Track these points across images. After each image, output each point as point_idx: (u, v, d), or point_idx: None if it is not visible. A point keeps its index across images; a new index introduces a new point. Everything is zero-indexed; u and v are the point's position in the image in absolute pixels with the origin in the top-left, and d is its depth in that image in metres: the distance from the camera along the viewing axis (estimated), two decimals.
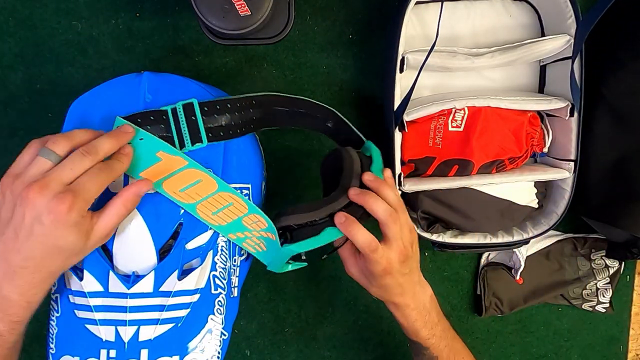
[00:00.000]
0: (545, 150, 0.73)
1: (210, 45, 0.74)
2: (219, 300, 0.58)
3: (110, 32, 0.73)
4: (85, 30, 0.72)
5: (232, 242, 0.60)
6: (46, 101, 0.73)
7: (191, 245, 0.56)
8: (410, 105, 0.66)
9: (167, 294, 0.55)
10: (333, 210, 0.57)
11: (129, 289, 0.54)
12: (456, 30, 0.74)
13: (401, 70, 0.67)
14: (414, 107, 0.68)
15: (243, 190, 0.60)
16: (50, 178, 0.47)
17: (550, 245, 0.84)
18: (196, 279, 0.56)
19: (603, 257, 0.84)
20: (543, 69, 0.76)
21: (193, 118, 0.56)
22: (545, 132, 0.73)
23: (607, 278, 0.85)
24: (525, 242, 0.75)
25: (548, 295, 0.84)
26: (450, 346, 0.66)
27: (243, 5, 0.54)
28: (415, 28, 0.73)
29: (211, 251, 0.57)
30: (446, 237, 0.75)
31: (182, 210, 0.56)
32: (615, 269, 0.85)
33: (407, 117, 0.67)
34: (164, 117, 0.56)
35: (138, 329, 0.54)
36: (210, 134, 0.57)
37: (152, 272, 0.54)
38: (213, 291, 0.58)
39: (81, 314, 0.54)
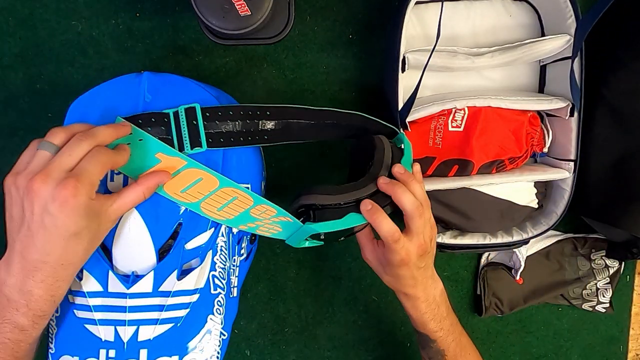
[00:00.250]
0: (545, 150, 0.73)
1: (210, 45, 0.74)
2: (219, 300, 0.58)
3: (110, 32, 0.73)
4: (85, 30, 0.72)
5: (231, 242, 0.60)
6: (46, 101, 0.73)
7: (190, 245, 0.56)
8: None
9: (167, 294, 0.55)
10: (360, 196, 0.56)
11: (128, 289, 0.54)
12: (456, 30, 0.74)
13: (402, 70, 0.67)
14: (415, 107, 0.68)
15: None
16: (51, 167, 0.46)
17: (550, 245, 0.84)
18: (195, 279, 0.56)
19: (603, 257, 0.84)
20: (543, 69, 0.76)
21: (194, 122, 0.56)
22: (545, 132, 0.73)
23: (607, 278, 0.85)
24: (525, 242, 0.75)
25: (548, 295, 0.84)
26: (458, 340, 0.67)
27: (243, 5, 0.54)
28: (415, 28, 0.73)
29: (210, 251, 0.57)
30: (446, 238, 0.75)
31: (182, 210, 0.56)
32: (615, 269, 0.84)
33: (407, 117, 0.67)
34: (165, 120, 0.56)
35: (137, 328, 0.54)
36: (210, 140, 0.57)
37: (152, 272, 0.54)
38: (212, 291, 0.58)
39: (80, 313, 0.54)
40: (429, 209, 0.60)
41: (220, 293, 0.58)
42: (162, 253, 0.55)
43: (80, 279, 0.53)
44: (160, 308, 0.55)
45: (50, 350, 0.55)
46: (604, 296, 0.85)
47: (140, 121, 0.55)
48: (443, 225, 0.76)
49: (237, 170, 0.59)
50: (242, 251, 0.65)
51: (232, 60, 0.75)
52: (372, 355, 0.85)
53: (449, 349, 0.66)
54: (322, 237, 0.62)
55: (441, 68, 0.70)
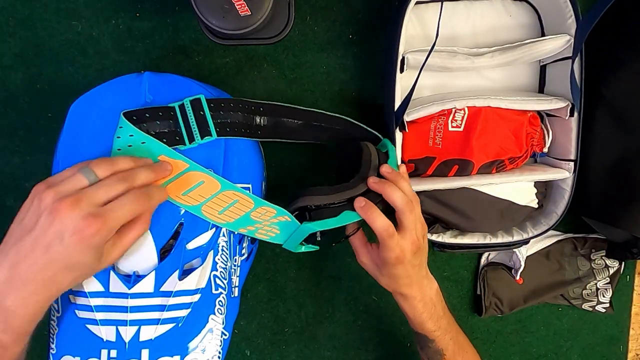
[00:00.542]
0: (545, 150, 0.74)
1: (210, 45, 0.74)
2: (220, 300, 0.58)
3: (110, 32, 0.73)
4: (85, 30, 0.72)
5: (232, 242, 0.60)
6: (46, 101, 0.73)
7: (192, 245, 0.56)
8: (410, 105, 0.66)
9: (168, 294, 0.55)
10: (352, 195, 0.59)
11: (129, 289, 0.54)
12: (456, 30, 0.74)
13: (401, 70, 0.67)
14: (414, 107, 0.68)
15: None
16: (84, 196, 0.46)
17: (550, 245, 0.84)
18: (197, 279, 0.56)
19: (603, 257, 0.84)
20: (543, 69, 0.76)
21: (201, 113, 0.57)
22: (545, 132, 0.73)
23: (607, 278, 0.85)
24: (525, 242, 0.75)
25: (548, 295, 0.84)
26: (455, 339, 0.68)
27: (243, 5, 0.54)
28: (415, 28, 0.73)
29: (212, 251, 0.57)
30: (446, 237, 0.75)
31: (183, 211, 0.56)
32: (615, 269, 0.85)
33: (407, 117, 0.67)
34: (172, 113, 0.56)
35: (139, 329, 0.54)
36: (218, 129, 0.57)
37: (153, 272, 0.54)
38: (214, 291, 0.58)
39: (82, 314, 0.54)
40: (418, 205, 0.62)
41: (221, 293, 0.59)
42: (163, 253, 0.55)
43: None
44: (162, 308, 0.55)
45: (51, 351, 0.55)
46: (604, 296, 0.85)
47: (147, 115, 0.55)
48: (443, 225, 0.76)
49: (238, 170, 0.60)
50: (243, 251, 0.65)
51: (232, 60, 0.75)
52: (372, 355, 0.85)
53: (448, 347, 0.67)
54: (319, 237, 0.63)
55: (441, 68, 0.70)
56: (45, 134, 0.74)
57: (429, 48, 0.62)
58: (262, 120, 0.63)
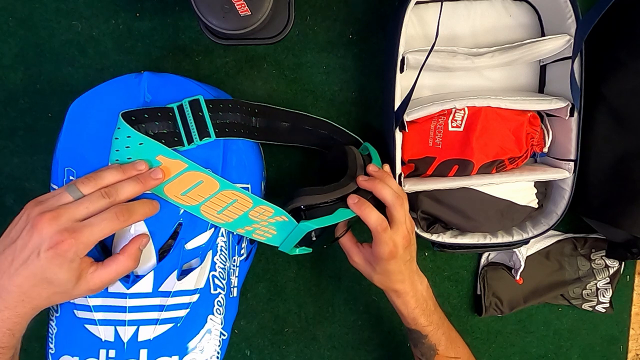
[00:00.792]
0: (545, 150, 0.73)
1: (210, 45, 0.74)
2: (219, 300, 0.58)
3: (110, 32, 0.73)
4: (85, 30, 0.72)
5: (231, 242, 0.60)
6: (46, 101, 0.73)
7: (190, 245, 0.56)
8: (410, 105, 0.66)
9: (167, 294, 0.55)
10: (344, 193, 0.60)
11: (128, 289, 0.54)
12: (456, 30, 0.74)
13: (401, 71, 0.67)
14: (414, 107, 0.68)
15: None
16: (64, 211, 0.48)
17: (550, 245, 0.84)
18: (195, 279, 0.56)
19: (603, 257, 0.84)
20: (543, 69, 0.75)
21: (200, 114, 0.57)
22: (545, 132, 0.73)
23: (607, 278, 0.85)
24: (525, 242, 0.75)
25: (548, 295, 0.84)
26: (447, 334, 0.69)
27: (243, 5, 0.54)
28: (415, 28, 0.73)
29: (210, 251, 0.58)
30: (446, 237, 0.75)
31: (182, 211, 0.56)
32: (615, 269, 0.84)
33: (407, 117, 0.67)
34: (170, 114, 0.56)
35: (137, 329, 0.54)
36: (217, 130, 0.57)
37: (152, 272, 0.54)
38: (212, 291, 0.58)
39: (80, 314, 0.54)
40: (406, 200, 0.63)
41: (220, 293, 0.59)
42: (162, 253, 0.55)
43: None
44: (160, 308, 0.55)
45: (50, 351, 0.55)
46: (604, 296, 0.85)
47: (146, 115, 0.55)
48: (443, 225, 0.76)
49: (237, 170, 0.60)
50: (242, 251, 0.65)
51: (232, 60, 0.75)
52: (372, 355, 0.85)
53: (440, 342, 0.68)
54: (314, 237, 0.63)
55: (441, 68, 0.70)
56: (45, 134, 0.74)
57: (429, 48, 0.62)
58: (257, 122, 0.64)
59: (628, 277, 0.87)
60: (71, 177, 0.55)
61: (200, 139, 0.57)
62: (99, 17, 0.72)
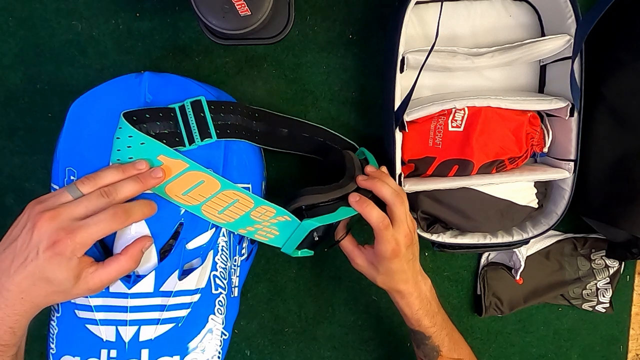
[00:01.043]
0: (545, 150, 0.73)
1: (210, 45, 0.74)
2: (220, 300, 0.58)
3: (110, 32, 0.73)
4: (85, 30, 0.72)
5: (232, 242, 0.60)
6: (46, 101, 0.73)
7: (192, 245, 0.56)
8: (410, 105, 0.66)
9: (168, 294, 0.55)
10: (344, 193, 0.61)
11: (129, 289, 0.54)
12: (456, 30, 0.74)
13: (401, 71, 0.67)
14: (414, 107, 0.68)
15: None
16: (63, 210, 0.48)
17: (550, 245, 0.84)
18: (197, 279, 0.56)
19: (603, 257, 0.84)
20: (543, 69, 0.76)
21: (202, 114, 0.57)
22: (545, 132, 0.73)
23: (607, 278, 0.85)
24: (525, 242, 0.75)
25: (548, 295, 0.84)
26: (450, 335, 0.69)
27: (243, 5, 0.54)
28: (415, 28, 0.73)
29: (212, 251, 0.57)
30: (446, 237, 0.75)
31: (183, 210, 0.56)
32: (615, 269, 0.84)
33: (407, 117, 0.67)
34: (172, 114, 0.56)
35: (139, 329, 0.54)
36: (218, 131, 0.57)
37: (153, 272, 0.54)
38: (213, 291, 0.58)
39: (82, 314, 0.54)
40: (406, 199, 0.64)
41: (221, 293, 0.59)
42: (163, 253, 0.55)
43: None
44: (162, 308, 0.55)
45: (51, 351, 0.55)
46: (604, 296, 0.85)
47: (147, 115, 0.55)
48: (443, 225, 0.76)
49: (238, 170, 0.60)
50: (243, 251, 0.65)
51: (232, 60, 0.75)
52: (372, 355, 0.85)
53: (444, 344, 0.68)
54: (316, 237, 0.63)
55: (441, 68, 0.70)
56: (45, 134, 0.74)
57: (429, 48, 0.62)
58: (257, 126, 0.65)
59: (628, 277, 0.87)
60: (72, 177, 0.55)
61: (202, 140, 0.57)
62: (99, 17, 0.72)
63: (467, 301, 0.86)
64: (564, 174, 0.71)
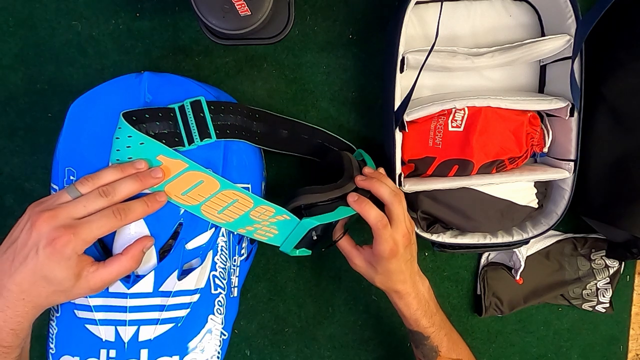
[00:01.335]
0: (545, 150, 0.73)
1: (210, 45, 0.74)
2: (219, 300, 0.58)
3: (110, 32, 0.73)
4: (85, 30, 0.72)
5: (231, 242, 0.60)
6: (46, 101, 0.73)
7: (191, 245, 0.56)
8: (410, 105, 0.66)
9: (167, 294, 0.55)
10: (343, 192, 0.61)
11: (128, 289, 0.54)
12: (456, 30, 0.74)
13: (401, 71, 0.67)
14: (414, 107, 0.68)
15: None
16: (61, 210, 0.49)
17: (550, 245, 0.84)
18: (196, 279, 0.56)
19: (603, 257, 0.84)
20: (543, 69, 0.76)
21: (201, 115, 0.57)
22: (545, 132, 0.73)
23: (607, 278, 0.85)
24: (525, 242, 0.75)
25: (548, 295, 0.84)
26: (449, 335, 0.69)
27: (243, 5, 0.54)
28: (415, 28, 0.73)
29: (211, 251, 0.57)
30: (446, 237, 0.75)
31: (182, 210, 0.56)
32: (615, 269, 0.84)
33: (407, 117, 0.67)
34: (172, 114, 0.56)
35: (138, 329, 0.54)
36: (218, 131, 0.57)
37: (152, 272, 0.54)
38: (213, 291, 0.58)
39: (81, 314, 0.54)
40: (404, 199, 0.64)
41: (220, 293, 0.59)
42: (162, 253, 0.55)
43: None
44: (161, 308, 0.55)
45: (50, 351, 0.55)
46: (604, 296, 0.85)
47: (147, 115, 0.55)
48: (443, 225, 0.76)
49: (238, 170, 0.60)
50: (243, 251, 0.65)
51: (232, 60, 0.75)
52: (372, 355, 0.85)
53: (442, 344, 0.68)
54: (315, 237, 0.64)
55: (441, 68, 0.70)
56: (45, 134, 0.74)
57: (429, 48, 0.62)
58: (258, 127, 0.65)
59: (628, 277, 0.87)
60: (72, 177, 0.55)
61: (201, 140, 0.57)
62: (99, 17, 0.72)
63: (467, 301, 0.86)
64: (564, 174, 0.71)
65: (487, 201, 0.73)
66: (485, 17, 0.74)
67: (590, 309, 0.86)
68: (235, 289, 0.63)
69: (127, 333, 0.54)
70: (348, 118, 0.78)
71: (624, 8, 0.66)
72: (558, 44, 0.68)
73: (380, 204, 0.62)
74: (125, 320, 0.54)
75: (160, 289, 0.54)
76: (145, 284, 0.54)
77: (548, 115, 0.73)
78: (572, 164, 0.70)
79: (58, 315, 0.55)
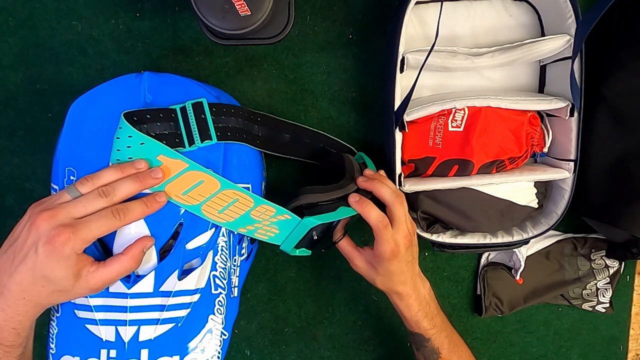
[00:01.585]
0: (545, 150, 0.73)
1: (210, 45, 0.74)
2: (219, 300, 0.58)
3: (110, 32, 0.73)
4: (85, 30, 0.72)
5: (231, 242, 0.60)
6: (46, 101, 0.73)
7: (191, 245, 0.56)
8: (410, 105, 0.66)
9: (167, 294, 0.55)
10: (344, 193, 0.62)
11: (129, 289, 0.54)
12: (456, 30, 0.74)
13: (401, 71, 0.67)
14: (414, 107, 0.68)
15: None
16: (61, 210, 0.49)
17: (550, 245, 0.84)
18: (196, 279, 0.56)
19: (603, 257, 0.84)
20: (543, 69, 0.76)
21: (202, 116, 0.57)
22: (545, 132, 0.73)
23: (607, 278, 0.85)
24: (525, 242, 0.75)
25: (548, 295, 0.84)
26: (450, 337, 0.69)
27: (243, 5, 0.54)
28: (415, 28, 0.73)
29: (211, 251, 0.57)
30: (446, 237, 0.75)
31: (183, 210, 0.56)
32: (615, 269, 0.85)
33: (407, 117, 0.67)
34: (173, 115, 0.56)
35: (138, 329, 0.54)
36: (218, 133, 0.57)
37: (152, 272, 0.54)
38: (213, 291, 0.58)
39: (81, 314, 0.54)
40: (405, 201, 0.64)
41: (221, 293, 0.59)
42: (162, 253, 0.55)
43: None
44: (161, 308, 0.55)
45: (50, 351, 0.55)
46: (604, 296, 0.85)
47: (148, 116, 0.55)
48: (443, 225, 0.76)
49: (238, 170, 0.60)
50: (243, 251, 0.65)
51: (232, 60, 0.75)
52: (372, 355, 0.85)
53: (443, 346, 0.68)
54: (315, 237, 0.64)
55: (441, 68, 0.70)
56: (45, 134, 0.74)
57: (429, 48, 0.62)
58: (259, 131, 0.65)
59: (628, 277, 0.87)
60: (72, 177, 0.55)
61: (202, 141, 0.57)
62: (99, 17, 0.72)
63: (467, 301, 0.86)
64: (564, 174, 0.71)
65: (487, 201, 0.73)
66: (485, 17, 0.74)
67: (590, 309, 0.86)
68: (236, 289, 0.63)
69: (127, 333, 0.54)
70: (348, 118, 0.78)
71: (624, 8, 0.66)
72: (558, 44, 0.68)
73: (381, 206, 0.62)
74: (126, 320, 0.54)
75: (161, 289, 0.54)
76: (146, 284, 0.54)
77: (548, 115, 0.73)
78: (572, 164, 0.70)
79: (58, 315, 0.55)
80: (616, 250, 0.80)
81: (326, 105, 0.77)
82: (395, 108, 0.66)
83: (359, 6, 0.75)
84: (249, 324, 0.82)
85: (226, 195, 0.56)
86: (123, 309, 0.54)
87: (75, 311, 0.54)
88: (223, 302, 0.59)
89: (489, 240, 0.75)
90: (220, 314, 0.58)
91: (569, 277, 0.85)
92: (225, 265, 0.59)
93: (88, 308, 0.54)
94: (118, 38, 0.73)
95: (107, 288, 0.54)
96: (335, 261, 0.82)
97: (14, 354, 0.51)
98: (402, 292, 0.64)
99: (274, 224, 0.61)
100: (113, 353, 0.54)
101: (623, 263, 0.85)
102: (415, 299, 0.65)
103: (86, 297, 0.53)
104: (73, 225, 0.48)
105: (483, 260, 0.85)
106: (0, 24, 0.71)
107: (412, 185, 0.70)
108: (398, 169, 0.69)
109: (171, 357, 0.55)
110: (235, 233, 0.61)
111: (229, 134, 0.58)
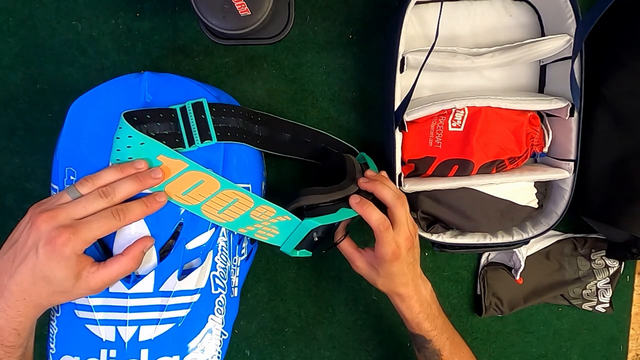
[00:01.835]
0: (545, 150, 0.73)
1: (210, 45, 0.74)
2: (219, 300, 0.58)
3: (110, 32, 0.73)
4: (85, 30, 0.72)
5: (231, 242, 0.60)
6: (46, 101, 0.73)
7: (191, 245, 0.56)
8: (410, 105, 0.66)
9: (167, 294, 0.55)
10: (345, 194, 0.62)
11: (129, 289, 0.54)
12: (456, 30, 0.74)
13: (401, 71, 0.67)
14: (414, 107, 0.68)
15: None
16: (61, 210, 0.49)
17: (550, 245, 0.84)
18: (196, 279, 0.56)
19: (603, 257, 0.84)
20: (543, 69, 0.76)
21: (202, 116, 0.57)
22: (545, 132, 0.73)
23: (607, 278, 0.85)
24: (525, 242, 0.75)
25: (548, 295, 0.84)
26: (451, 339, 0.69)
27: (243, 5, 0.54)
28: (415, 28, 0.73)
29: (211, 251, 0.57)
30: (446, 237, 0.75)
31: (183, 210, 0.56)
32: (615, 269, 0.85)
33: (407, 117, 0.67)
34: (173, 115, 0.56)
35: (138, 329, 0.54)
36: (218, 133, 0.57)
37: (152, 272, 0.54)
38: (213, 291, 0.58)
39: (81, 314, 0.54)
40: (406, 202, 0.63)
41: (221, 293, 0.59)
42: (163, 253, 0.55)
43: None
44: (161, 308, 0.55)
45: (50, 351, 0.55)
46: (604, 296, 0.85)
47: (148, 116, 0.55)
48: (443, 225, 0.76)
49: (238, 170, 0.60)
50: (243, 251, 0.65)
51: (232, 60, 0.75)
52: (372, 355, 0.85)
53: (444, 347, 0.67)
54: (316, 238, 0.64)
55: (441, 68, 0.70)
56: (45, 134, 0.74)
57: (429, 48, 0.62)
58: (260, 130, 0.65)
59: (628, 277, 0.87)
60: (72, 177, 0.55)
61: (202, 141, 0.57)
62: (99, 17, 0.72)
63: (467, 301, 0.86)
64: (564, 174, 0.71)
65: (487, 201, 0.73)
66: (485, 17, 0.74)
67: (590, 309, 0.86)
68: (236, 289, 0.63)
69: (127, 333, 0.54)
70: (348, 118, 0.78)
71: (624, 8, 0.66)
72: (558, 44, 0.68)
73: (382, 207, 0.62)
74: (126, 320, 0.54)
75: (161, 289, 0.54)
76: (146, 284, 0.54)
77: (548, 115, 0.73)
78: (572, 164, 0.70)
79: (58, 315, 0.55)
80: (616, 250, 0.80)
81: (326, 105, 0.77)
82: (395, 108, 0.66)
83: (359, 6, 0.75)
84: (249, 324, 0.82)
85: (226, 195, 0.56)
86: (123, 309, 0.54)
87: (75, 311, 0.54)
88: (223, 302, 0.59)
89: (489, 240, 0.75)
90: (220, 314, 0.58)
91: (569, 277, 0.85)
92: (225, 265, 0.59)
93: (88, 308, 0.54)
94: (118, 38, 0.73)
95: (107, 288, 0.54)
96: (335, 261, 0.82)
97: (14, 354, 0.51)
98: (404, 293, 0.64)
99: (274, 224, 0.61)
100: (113, 353, 0.54)
101: (623, 263, 0.85)
102: (417, 301, 0.65)
103: (86, 297, 0.53)
104: (73, 226, 0.48)
105: (483, 260, 0.85)
106: (0, 24, 0.71)
107: (412, 185, 0.70)
108: (398, 169, 0.69)
109: (171, 357, 0.55)
110: (235, 233, 0.61)
111: (229, 134, 0.58)
